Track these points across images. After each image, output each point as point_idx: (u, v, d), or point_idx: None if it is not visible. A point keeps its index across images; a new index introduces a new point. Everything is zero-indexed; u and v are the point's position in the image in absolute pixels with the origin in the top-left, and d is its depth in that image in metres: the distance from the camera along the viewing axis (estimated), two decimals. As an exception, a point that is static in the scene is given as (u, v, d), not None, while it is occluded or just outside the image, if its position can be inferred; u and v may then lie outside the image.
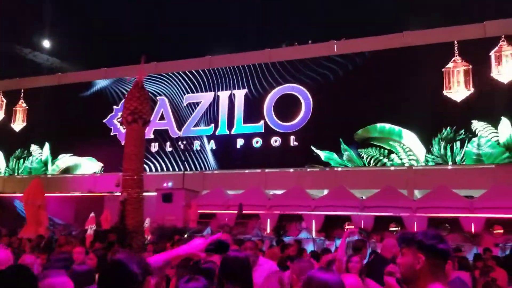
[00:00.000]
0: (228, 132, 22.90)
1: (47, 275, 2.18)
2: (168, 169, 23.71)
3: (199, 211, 18.09)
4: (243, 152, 22.38)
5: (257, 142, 22.14)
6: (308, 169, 21.23)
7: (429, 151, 19.23)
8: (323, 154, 20.90)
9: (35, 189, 10.74)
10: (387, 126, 20.02)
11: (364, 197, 17.47)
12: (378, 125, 20.14)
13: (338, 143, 20.58)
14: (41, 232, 12.34)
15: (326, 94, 21.17)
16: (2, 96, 29.01)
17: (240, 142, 22.51)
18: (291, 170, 21.48)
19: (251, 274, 3.34)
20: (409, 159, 19.63)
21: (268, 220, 17.51)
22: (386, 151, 19.96)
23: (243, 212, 17.02)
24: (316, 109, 21.31)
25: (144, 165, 19.25)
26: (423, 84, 19.23)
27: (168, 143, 24.00)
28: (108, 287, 1.55)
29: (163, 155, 24.04)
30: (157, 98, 24.50)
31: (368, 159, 20.18)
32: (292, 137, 21.48)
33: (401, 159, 19.76)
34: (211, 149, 23.10)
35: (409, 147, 19.65)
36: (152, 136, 23.94)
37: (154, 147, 24.09)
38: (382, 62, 20.20)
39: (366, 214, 16.36)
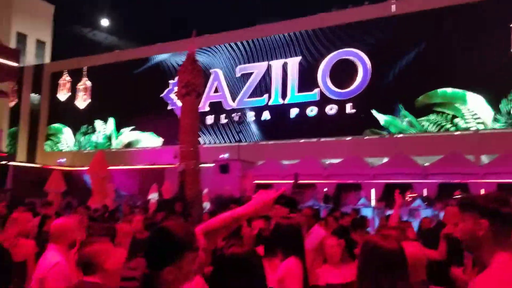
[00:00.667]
0: (282, 102, 22.68)
1: (91, 241, 2.22)
2: (223, 141, 24.02)
3: (255, 182, 18.23)
4: (298, 121, 22.12)
5: (311, 111, 21.78)
6: (366, 137, 20.64)
7: (497, 113, 18.00)
8: (382, 119, 20.18)
9: (99, 162, 11.23)
10: (450, 90, 18.91)
11: (427, 164, 16.76)
12: (440, 90, 19.07)
13: (397, 108, 19.80)
14: (108, 203, 12.96)
15: (384, 58, 20.26)
16: (66, 75, 30.47)
17: (294, 111, 22.24)
18: (348, 138, 20.98)
19: (303, 241, 3.24)
20: (476, 123, 18.49)
21: (325, 189, 17.33)
22: (450, 116, 18.92)
23: (299, 181, 16.94)
24: (374, 74, 20.51)
25: (201, 138, 19.71)
26: (489, 42, 17.85)
27: (223, 115, 24.23)
28: (150, 253, 1.51)
29: (219, 127, 24.34)
30: (211, 70, 24.64)
31: (430, 125, 19.26)
32: (348, 104, 20.91)
33: (466, 123, 18.67)
34: (265, 120, 23.04)
35: (474, 110, 18.50)
36: (207, 109, 24.26)
37: (210, 119, 24.42)
38: (443, 21, 18.94)
39: (429, 182, 15.74)
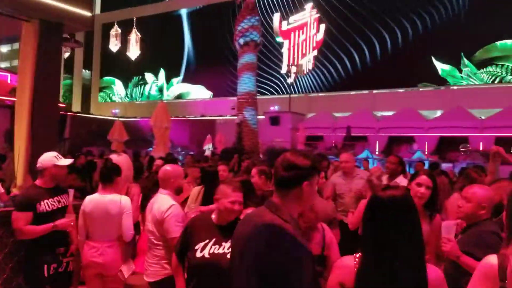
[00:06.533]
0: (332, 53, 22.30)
1: None
2: (274, 93, 23.99)
3: (306, 134, 18.30)
4: (350, 73, 21.75)
5: (364, 61, 21.32)
6: (421, 89, 20.12)
7: None
8: (440, 68, 19.51)
9: (161, 113, 11.61)
10: (510, 42, 17.98)
11: (483, 117, 16.32)
12: (499, 42, 18.15)
13: (456, 57, 19.07)
14: (166, 151, 13.42)
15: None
16: (117, 26, 30.83)
17: (346, 62, 21.84)
18: (401, 90, 20.52)
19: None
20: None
21: (377, 142, 17.29)
22: (510, 67, 18.10)
23: (351, 134, 16.93)
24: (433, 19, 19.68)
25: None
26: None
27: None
28: (278, 179, 1.67)
29: (271, 78, 24.21)
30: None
31: (489, 78, 18.52)
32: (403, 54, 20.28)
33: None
34: (316, 71, 22.78)
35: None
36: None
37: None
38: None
39: (486, 135, 15.37)
